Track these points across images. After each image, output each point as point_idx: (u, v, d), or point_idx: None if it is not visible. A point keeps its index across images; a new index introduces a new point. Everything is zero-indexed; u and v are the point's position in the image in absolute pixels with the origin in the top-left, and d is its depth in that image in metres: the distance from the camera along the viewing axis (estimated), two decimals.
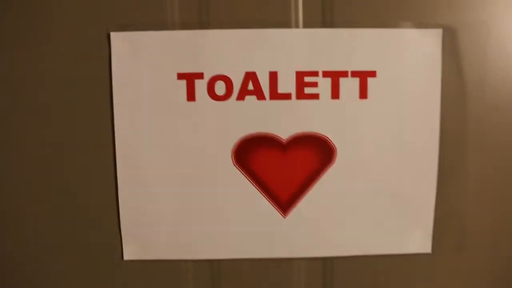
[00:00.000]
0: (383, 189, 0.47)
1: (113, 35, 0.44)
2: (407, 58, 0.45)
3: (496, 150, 0.47)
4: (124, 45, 0.44)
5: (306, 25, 0.44)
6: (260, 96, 0.45)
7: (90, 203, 0.47)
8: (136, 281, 0.49)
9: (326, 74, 0.45)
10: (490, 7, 0.44)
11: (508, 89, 0.46)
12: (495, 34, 0.45)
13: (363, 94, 0.45)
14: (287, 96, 0.45)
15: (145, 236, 0.48)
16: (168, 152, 0.46)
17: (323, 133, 0.46)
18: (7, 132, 0.46)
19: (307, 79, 0.45)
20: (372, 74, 0.45)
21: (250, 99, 0.45)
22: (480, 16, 0.44)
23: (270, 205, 0.47)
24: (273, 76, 0.45)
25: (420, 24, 0.44)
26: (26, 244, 0.48)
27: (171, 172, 0.46)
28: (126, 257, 0.48)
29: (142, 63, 0.44)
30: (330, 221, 0.47)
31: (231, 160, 0.46)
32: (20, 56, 0.45)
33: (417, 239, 0.48)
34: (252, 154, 0.46)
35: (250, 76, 0.45)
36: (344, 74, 0.45)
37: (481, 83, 0.45)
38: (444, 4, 0.44)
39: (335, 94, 0.45)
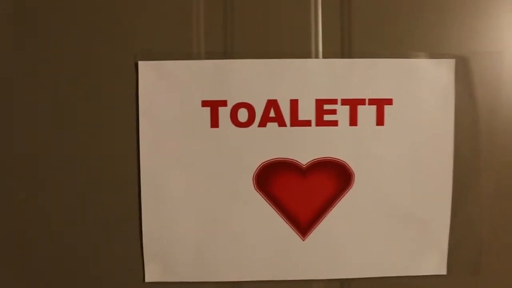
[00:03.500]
0: (399, 212, 0.48)
1: (141, 64, 0.46)
2: (422, 86, 0.47)
3: (509, 172, 0.49)
4: (151, 74, 0.46)
5: (326, 55, 0.46)
6: (281, 123, 0.47)
7: (114, 226, 0.48)
8: None
9: (344, 102, 0.47)
10: (503, 38, 0.47)
11: None
12: (508, 64, 0.47)
13: (380, 121, 0.47)
14: (307, 123, 0.47)
15: (166, 258, 0.49)
16: (191, 176, 0.47)
17: (341, 159, 0.47)
18: (39, 157, 0.47)
19: (326, 106, 0.47)
20: (389, 102, 0.47)
21: (272, 125, 0.47)
22: (492, 47, 0.47)
23: (290, 228, 0.48)
24: (294, 104, 0.46)
25: (434, 54, 0.46)
26: (50, 265, 0.49)
27: (194, 196, 0.48)
28: (148, 279, 0.49)
29: (168, 91, 0.46)
30: (348, 244, 0.48)
31: (252, 185, 0.47)
32: (52, 81, 0.46)
33: (432, 261, 0.49)
34: (273, 178, 0.47)
35: (272, 104, 0.46)
36: (362, 102, 0.47)
37: (493, 111, 0.47)
38: (456, 34, 0.47)
39: (353, 121, 0.47)
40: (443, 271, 0.49)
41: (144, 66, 0.46)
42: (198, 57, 0.46)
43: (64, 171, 0.47)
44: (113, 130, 0.47)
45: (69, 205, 0.48)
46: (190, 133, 0.47)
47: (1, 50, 0.46)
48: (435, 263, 0.49)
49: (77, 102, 0.47)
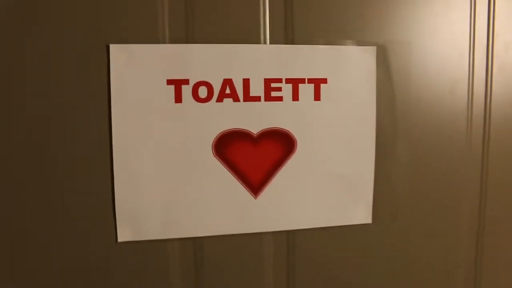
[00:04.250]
0: (332, 172, 0.58)
1: (112, 46, 0.52)
2: (350, 69, 0.56)
3: (420, 138, 0.60)
4: (121, 56, 0.52)
5: (272, 41, 0.55)
6: (236, 99, 0.55)
7: (89, 195, 0.54)
8: (129, 261, 0.56)
9: (288, 81, 0.55)
10: (412, 29, 0.58)
11: (428, 93, 0.59)
12: (415, 51, 0.58)
13: (317, 96, 0.56)
14: (257, 99, 0.55)
15: (136, 220, 0.55)
16: (159, 145, 0.54)
17: (286, 128, 0.56)
18: (13, 133, 0.52)
19: (273, 85, 0.55)
20: (324, 81, 0.56)
21: (227, 101, 0.54)
22: (404, 36, 0.58)
23: (244, 188, 0.56)
24: (246, 83, 0.55)
25: (360, 42, 0.56)
26: (26, 228, 0.54)
27: (161, 163, 0.54)
28: (120, 239, 0.55)
29: (137, 71, 0.52)
30: (292, 200, 0.57)
31: (211, 152, 0.55)
32: (26, 63, 0.51)
33: (360, 212, 0.59)
34: (229, 146, 0.55)
35: (228, 82, 0.54)
36: (302, 81, 0.56)
37: (406, 89, 0.59)
38: (377, 26, 0.57)
39: (295, 97, 0.56)
40: (369, 220, 0.60)
41: (115, 49, 0.52)
42: (163, 41, 0.53)
43: (43, 145, 0.52)
44: (87, 107, 0.52)
45: (49, 176, 0.53)
46: (156, 108, 0.53)
47: None
48: (362, 214, 0.59)
49: (52, 83, 0.51)
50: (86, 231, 0.55)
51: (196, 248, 0.57)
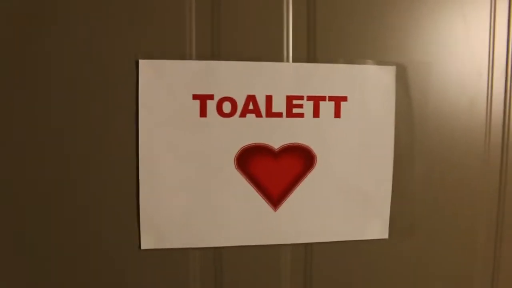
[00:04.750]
0: (350, 187, 0.59)
1: (141, 62, 0.54)
2: (370, 87, 0.58)
3: (438, 154, 0.61)
4: (150, 70, 0.54)
5: (295, 60, 0.57)
6: (258, 114, 0.56)
7: (115, 203, 0.56)
8: (151, 268, 0.58)
9: (309, 98, 0.57)
10: (432, 51, 0.59)
11: (446, 111, 0.60)
12: (435, 72, 0.59)
13: (337, 114, 0.58)
14: (279, 115, 0.57)
15: (159, 229, 0.57)
16: (183, 157, 0.56)
17: (306, 144, 0.58)
18: (41, 145, 0.54)
19: (295, 101, 0.57)
20: (344, 99, 0.58)
21: (250, 116, 0.56)
22: (424, 58, 0.59)
23: (264, 201, 0.58)
24: (269, 99, 0.56)
25: (380, 62, 0.58)
26: (51, 232, 0.56)
27: (184, 175, 0.56)
28: (144, 246, 0.57)
29: (164, 86, 0.55)
30: (311, 214, 0.59)
31: (233, 165, 0.57)
32: (54, 75, 0.54)
33: (377, 227, 0.61)
34: (250, 160, 0.57)
35: (251, 99, 0.56)
36: (323, 98, 0.57)
37: (423, 108, 0.60)
38: (397, 46, 0.58)
39: (316, 114, 0.57)
40: (386, 235, 0.61)
41: (144, 64, 0.54)
42: (190, 57, 0.55)
43: (72, 154, 0.55)
44: (115, 120, 0.55)
45: (77, 185, 0.55)
46: (182, 121, 0.55)
47: (5, 50, 0.53)
48: (379, 229, 0.61)
49: (83, 96, 0.54)
50: (110, 238, 0.57)
51: (216, 258, 0.58)
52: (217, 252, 0.58)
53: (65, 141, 0.54)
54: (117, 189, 0.56)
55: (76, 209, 0.56)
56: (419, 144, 0.60)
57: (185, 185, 0.57)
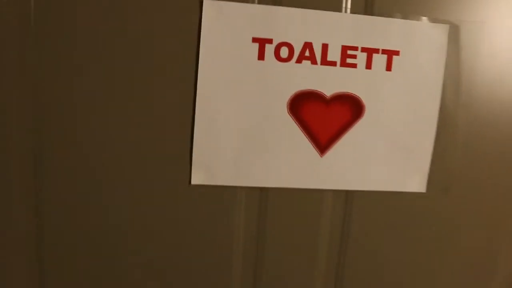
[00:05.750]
0: (395, 140, 0.62)
1: (205, 2, 0.56)
2: (423, 43, 0.60)
3: (481, 117, 0.63)
4: (213, 11, 0.56)
5: (353, 11, 0.58)
6: (313, 61, 0.58)
7: (168, 139, 0.58)
8: (199, 204, 0.61)
9: (363, 49, 0.59)
10: (486, 9, 0.61)
11: (494, 74, 0.62)
12: (488, 32, 0.61)
13: (388, 67, 0.60)
14: (333, 64, 0.59)
15: (210, 166, 0.60)
16: (238, 98, 0.58)
17: (357, 94, 0.60)
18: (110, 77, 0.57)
19: (349, 52, 0.59)
20: (397, 53, 0.59)
21: (306, 63, 0.58)
22: (477, 17, 0.60)
23: (312, 146, 0.60)
24: (325, 47, 0.58)
25: (434, 19, 0.60)
26: (104, 166, 0.59)
27: (238, 114, 0.58)
28: (194, 182, 0.60)
29: (225, 27, 0.56)
30: (354, 162, 0.61)
31: (286, 109, 0.59)
32: (122, 13, 0.56)
33: (416, 180, 0.63)
34: (303, 105, 0.59)
35: (307, 46, 0.58)
36: (376, 51, 0.59)
37: (473, 68, 0.62)
38: (452, 5, 0.60)
39: (368, 65, 0.59)
40: (423, 189, 0.64)
41: (208, 5, 0.56)
42: (252, 1, 0.57)
43: (131, 88, 0.57)
44: (176, 57, 0.56)
45: (134, 118, 0.58)
46: (240, 63, 0.57)
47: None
48: (417, 182, 0.63)
49: (147, 34, 0.56)
50: (164, 174, 0.59)
51: (262, 197, 0.61)
52: (263, 192, 0.61)
53: (127, 79, 0.57)
54: (172, 127, 0.58)
55: (132, 146, 0.58)
56: (463, 104, 0.62)
57: (238, 125, 0.59)
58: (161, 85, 0.57)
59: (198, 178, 0.60)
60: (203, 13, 0.56)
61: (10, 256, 0.59)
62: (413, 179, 0.63)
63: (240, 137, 0.59)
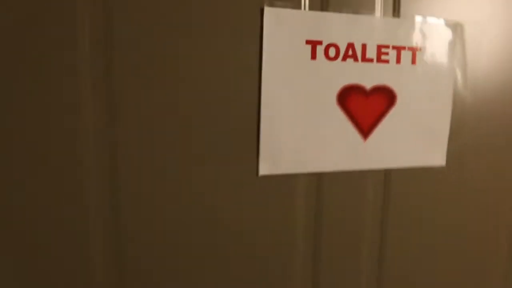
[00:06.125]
0: (420, 122, 0.73)
1: (266, 9, 0.63)
2: (437, 40, 0.72)
3: (487, 101, 0.77)
4: (272, 17, 0.63)
5: (384, 15, 0.69)
6: (355, 59, 0.68)
7: (238, 134, 0.64)
8: (265, 192, 0.67)
9: (393, 47, 0.69)
10: (487, 11, 0.74)
11: (495, 63, 0.76)
12: (489, 30, 0.75)
13: (413, 61, 0.71)
14: (371, 60, 0.69)
15: (274, 156, 0.66)
16: (296, 93, 0.66)
17: (390, 85, 0.70)
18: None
19: (383, 50, 0.69)
20: (419, 49, 0.71)
21: (349, 60, 0.67)
22: (478, 18, 0.74)
23: (357, 133, 0.69)
24: (364, 47, 0.68)
25: (445, 20, 0.72)
26: (177, 162, 0.63)
27: (296, 108, 0.66)
28: (261, 173, 0.66)
29: (283, 31, 0.64)
30: (390, 144, 0.72)
31: (335, 101, 0.68)
32: (183, 21, 0.61)
33: (438, 156, 0.75)
34: (348, 97, 0.68)
35: (350, 46, 0.67)
36: (403, 48, 0.70)
37: (477, 59, 0.75)
38: (457, 8, 0.73)
39: (398, 60, 0.70)
40: (443, 163, 0.76)
41: (268, 11, 0.63)
42: (304, 8, 0.65)
43: (198, 89, 0.62)
44: (241, 58, 0.63)
45: (206, 118, 0.63)
46: (296, 63, 0.65)
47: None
48: (439, 157, 0.75)
49: (212, 38, 0.62)
50: (234, 167, 0.65)
51: (319, 182, 0.69)
52: (319, 177, 0.69)
53: (199, 81, 0.61)
54: (241, 122, 0.64)
55: (203, 141, 0.63)
56: (472, 93, 0.75)
57: (296, 117, 0.66)
58: (229, 85, 0.63)
59: (265, 168, 0.66)
60: (264, 19, 0.63)
61: (90, 249, 0.61)
62: (435, 155, 0.75)
63: (299, 128, 0.67)
